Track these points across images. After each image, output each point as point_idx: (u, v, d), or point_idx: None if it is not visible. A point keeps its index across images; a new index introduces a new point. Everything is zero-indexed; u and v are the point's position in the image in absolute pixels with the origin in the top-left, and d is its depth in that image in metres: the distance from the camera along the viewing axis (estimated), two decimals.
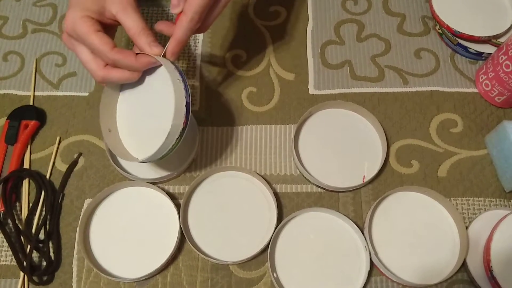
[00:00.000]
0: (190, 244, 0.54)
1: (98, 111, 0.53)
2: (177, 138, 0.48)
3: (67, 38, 0.49)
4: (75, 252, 0.56)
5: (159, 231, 0.56)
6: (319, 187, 0.59)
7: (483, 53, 0.65)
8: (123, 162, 0.60)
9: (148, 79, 0.52)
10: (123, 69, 0.48)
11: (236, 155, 0.61)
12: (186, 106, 0.48)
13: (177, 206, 0.57)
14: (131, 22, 0.48)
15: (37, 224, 0.57)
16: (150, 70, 0.50)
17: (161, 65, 0.48)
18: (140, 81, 0.51)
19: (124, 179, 0.59)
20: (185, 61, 0.67)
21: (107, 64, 0.49)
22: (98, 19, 0.48)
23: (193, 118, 0.61)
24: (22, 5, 0.72)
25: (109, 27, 0.50)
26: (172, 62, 0.49)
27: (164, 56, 0.49)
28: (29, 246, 0.54)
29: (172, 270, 0.55)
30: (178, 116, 0.47)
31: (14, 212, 0.57)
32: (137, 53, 0.48)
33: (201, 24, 0.49)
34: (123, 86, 0.54)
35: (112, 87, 0.53)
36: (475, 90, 0.65)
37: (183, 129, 0.48)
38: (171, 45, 0.49)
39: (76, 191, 0.59)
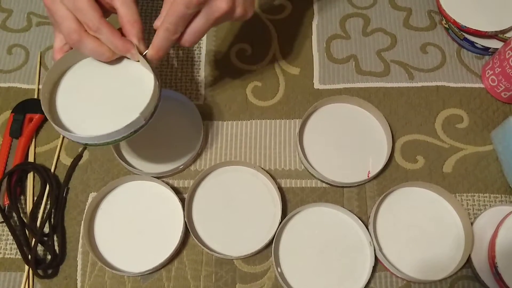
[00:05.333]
0: (195, 239, 0.54)
1: None
2: (131, 132, 0.47)
3: None
4: (79, 245, 0.56)
5: (164, 226, 0.56)
6: (323, 182, 0.59)
7: (490, 48, 0.64)
8: (128, 156, 0.59)
9: (115, 66, 0.50)
10: (101, 42, 0.46)
11: (241, 149, 0.61)
12: (155, 107, 0.48)
13: (182, 200, 0.57)
14: (128, 10, 0.46)
15: (42, 217, 0.57)
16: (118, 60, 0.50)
17: (137, 61, 0.48)
18: (103, 65, 0.50)
19: (128, 173, 0.59)
20: (189, 54, 0.67)
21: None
22: None
23: (198, 112, 0.61)
24: None
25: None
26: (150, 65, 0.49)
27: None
28: (33, 240, 0.55)
29: (176, 264, 0.55)
30: (146, 111, 0.46)
31: (19, 206, 0.57)
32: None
33: (181, 36, 0.48)
34: (81, 63, 0.51)
35: (70, 58, 0.50)
36: (481, 85, 0.64)
37: (142, 126, 0.47)
38: (149, 51, 0.48)
39: (81, 185, 0.59)
